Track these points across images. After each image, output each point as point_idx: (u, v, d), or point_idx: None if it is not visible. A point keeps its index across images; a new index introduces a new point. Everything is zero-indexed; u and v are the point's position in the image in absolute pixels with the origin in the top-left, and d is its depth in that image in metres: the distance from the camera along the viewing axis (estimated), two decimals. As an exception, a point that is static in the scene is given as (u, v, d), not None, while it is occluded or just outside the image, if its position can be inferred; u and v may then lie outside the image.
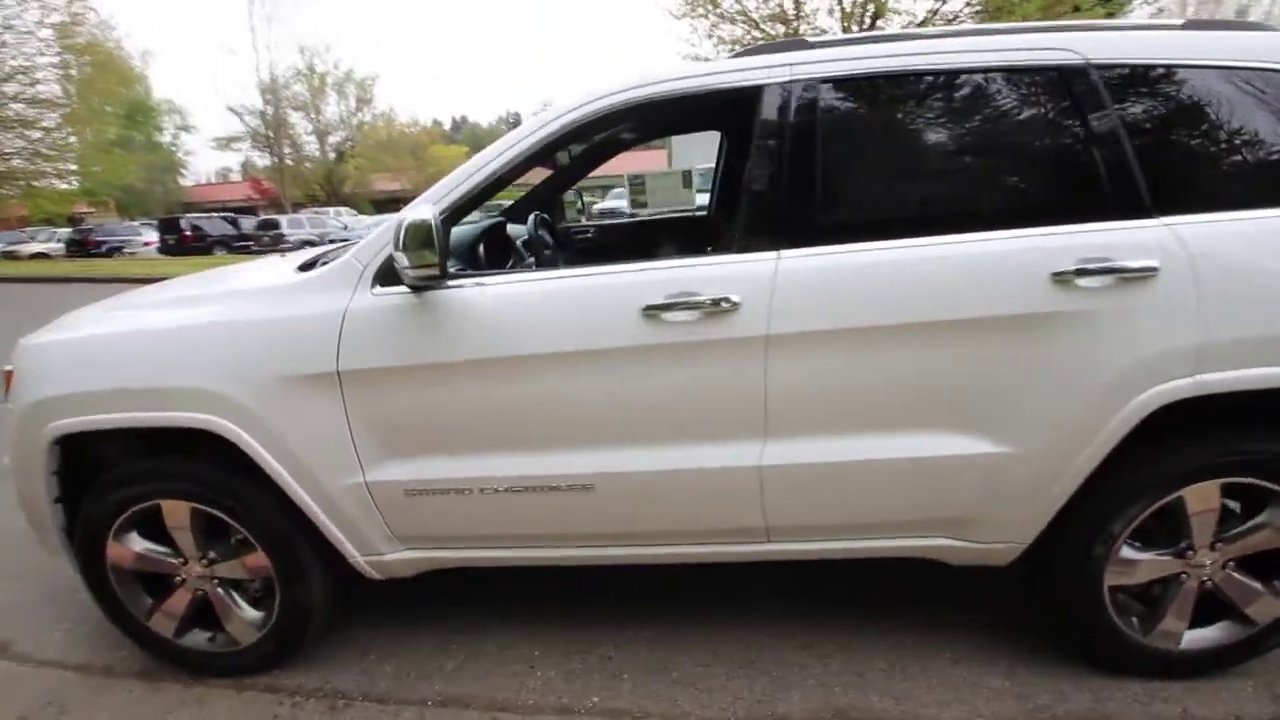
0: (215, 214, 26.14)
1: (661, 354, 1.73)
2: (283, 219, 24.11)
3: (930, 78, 1.75)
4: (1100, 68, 1.70)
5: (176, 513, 1.94)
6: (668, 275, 1.73)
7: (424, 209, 1.64)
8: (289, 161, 32.59)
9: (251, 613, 2.04)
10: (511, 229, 2.79)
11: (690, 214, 4.44)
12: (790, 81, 1.75)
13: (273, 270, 2.26)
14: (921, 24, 14.03)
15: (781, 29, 17.12)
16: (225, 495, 1.91)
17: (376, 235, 1.84)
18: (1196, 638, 1.85)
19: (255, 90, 30.70)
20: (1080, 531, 1.77)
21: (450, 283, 1.76)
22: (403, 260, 1.63)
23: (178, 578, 2.02)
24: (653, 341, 1.72)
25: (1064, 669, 1.95)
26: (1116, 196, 1.66)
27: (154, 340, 1.88)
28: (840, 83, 1.75)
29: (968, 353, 1.67)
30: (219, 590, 2.02)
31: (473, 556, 1.99)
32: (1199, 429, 1.69)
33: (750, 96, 1.77)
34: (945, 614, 2.21)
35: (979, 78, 1.73)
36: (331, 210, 28.52)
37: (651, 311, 1.71)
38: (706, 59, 16.89)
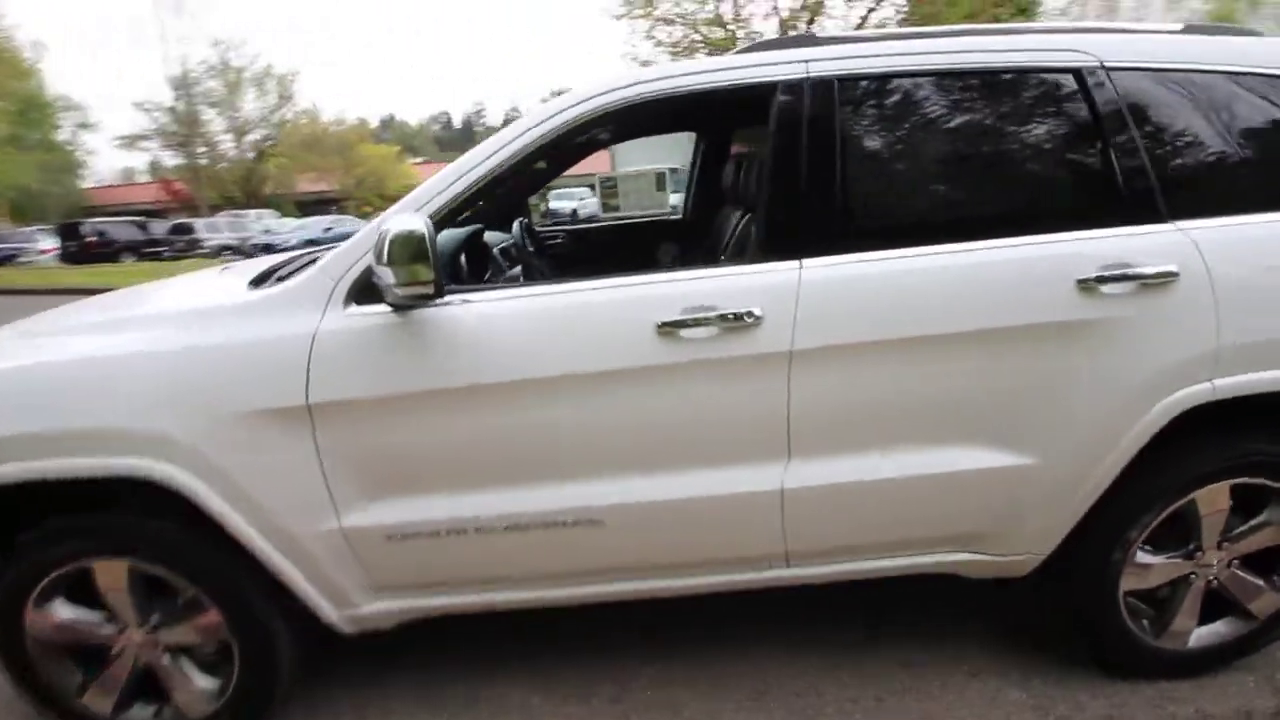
0: (122, 218, 24.29)
1: (678, 373, 1.59)
2: (198, 222, 22.66)
3: (947, 78, 1.68)
4: (1115, 70, 1.67)
5: (111, 573, 1.66)
6: (682, 288, 1.59)
7: (411, 217, 1.44)
8: (203, 161, 30.70)
9: (205, 681, 1.77)
10: (487, 236, 2.57)
11: (665, 217, 4.29)
12: (807, 79, 1.64)
13: (219, 286, 1.99)
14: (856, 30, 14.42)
15: (720, 33, 17.31)
16: (170, 550, 1.64)
17: (349, 246, 1.62)
18: (1203, 634, 1.87)
19: (164, 85, 28.79)
20: (1098, 538, 1.75)
21: (436, 300, 1.56)
22: (388, 276, 1.42)
23: (115, 648, 1.73)
24: (669, 360, 1.57)
25: (1078, 677, 1.93)
26: (1132, 201, 1.66)
27: (81, 373, 1.60)
28: (859, 81, 1.66)
29: (993, 364, 1.63)
30: (165, 658, 1.74)
31: (464, 603, 1.79)
32: (1214, 432, 1.70)
33: (764, 94, 1.65)
34: (953, 624, 2.16)
35: (996, 78, 1.68)
36: (252, 213, 26.97)
37: (667, 328, 1.56)
38: (647, 62, 16.94)
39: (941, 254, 1.61)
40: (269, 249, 19.71)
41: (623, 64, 18.19)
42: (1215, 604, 1.85)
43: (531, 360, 1.57)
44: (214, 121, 31.57)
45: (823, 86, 1.63)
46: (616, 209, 11.87)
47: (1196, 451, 1.70)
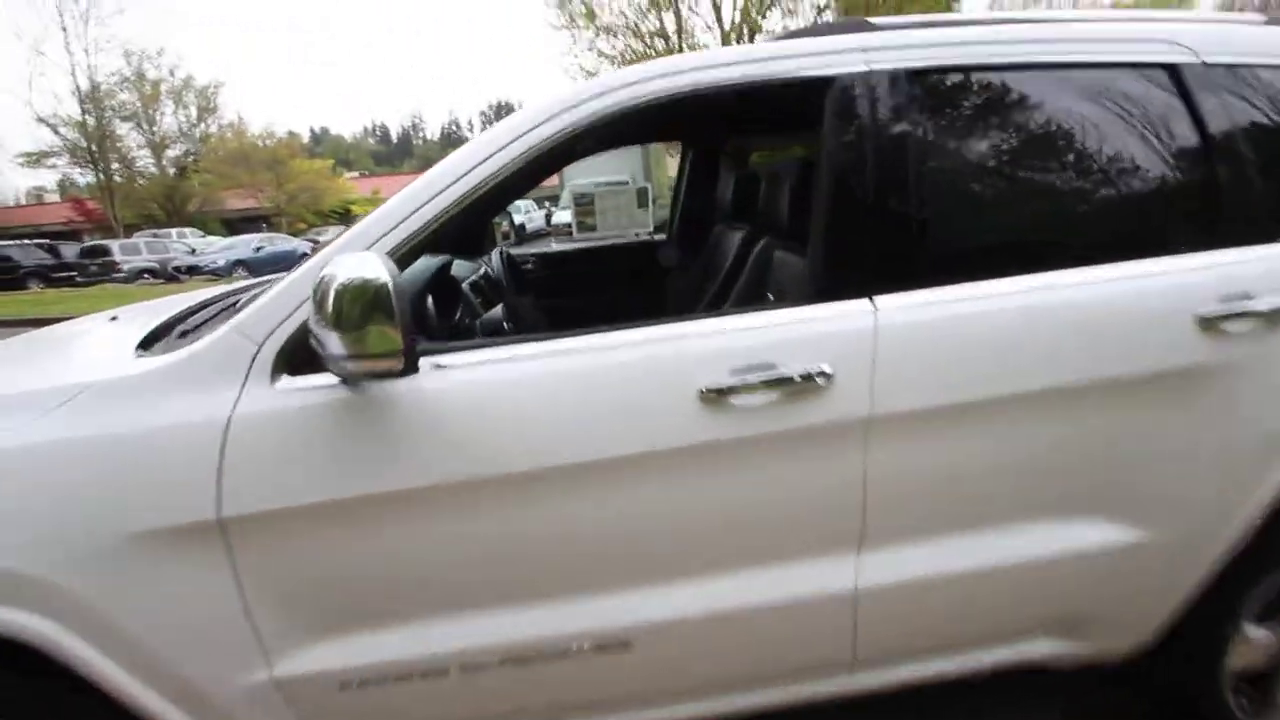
0: (28, 240, 22.37)
1: (728, 453, 1.22)
2: (114, 244, 21.01)
3: (1029, 73, 1.37)
4: (1216, 67, 1.40)
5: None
6: (727, 341, 1.22)
7: (364, 258, 1.02)
8: (118, 179, 28.70)
9: None
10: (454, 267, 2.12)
11: (648, 238, 3.90)
12: (869, 73, 1.30)
13: (95, 347, 1.50)
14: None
15: (662, 45, 17.20)
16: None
17: (278, 295, 1.18)
18: None
19: (72, 99, 26.71)
20: (1208, 613, 1.50)
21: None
22: (333, 345, 1.01)
23: None
24: (716, 437, 1.20)
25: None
26: (1242, 219, 1.40)
27: None
28: (930, 76, 1.33)
29: (1107, 422, 1.34)
30: None
31: None
32: None
33: (812, 92, 1.31)
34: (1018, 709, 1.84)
35: (1083, 74, 1.38)
36: (174, 232, 25.26)
37: (713, 395, 1.19)
38: (591, 73, 16.62)
39: (1045, 288, 1.30)
40: (194, 271, 18.47)
41: (565, 76, 17.88)
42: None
43: (534, 446, 1.17)
44: (129, 136, 29.64)
45: (888, 81, 1.30)
46: (592, 228, 10.56)
47: None
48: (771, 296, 1.66)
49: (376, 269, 0.99)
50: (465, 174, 1.22)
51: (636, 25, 16.78)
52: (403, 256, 1.21)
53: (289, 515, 1.14)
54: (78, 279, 18.64)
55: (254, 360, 1.15)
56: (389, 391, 1.14)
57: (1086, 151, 1.38)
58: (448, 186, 1.21)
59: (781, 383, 1.20)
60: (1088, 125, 1.37)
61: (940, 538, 1.33)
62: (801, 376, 1.20)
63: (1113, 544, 1.38)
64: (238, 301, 1.38)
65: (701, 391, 1.19)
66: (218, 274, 17.17)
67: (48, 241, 22.23)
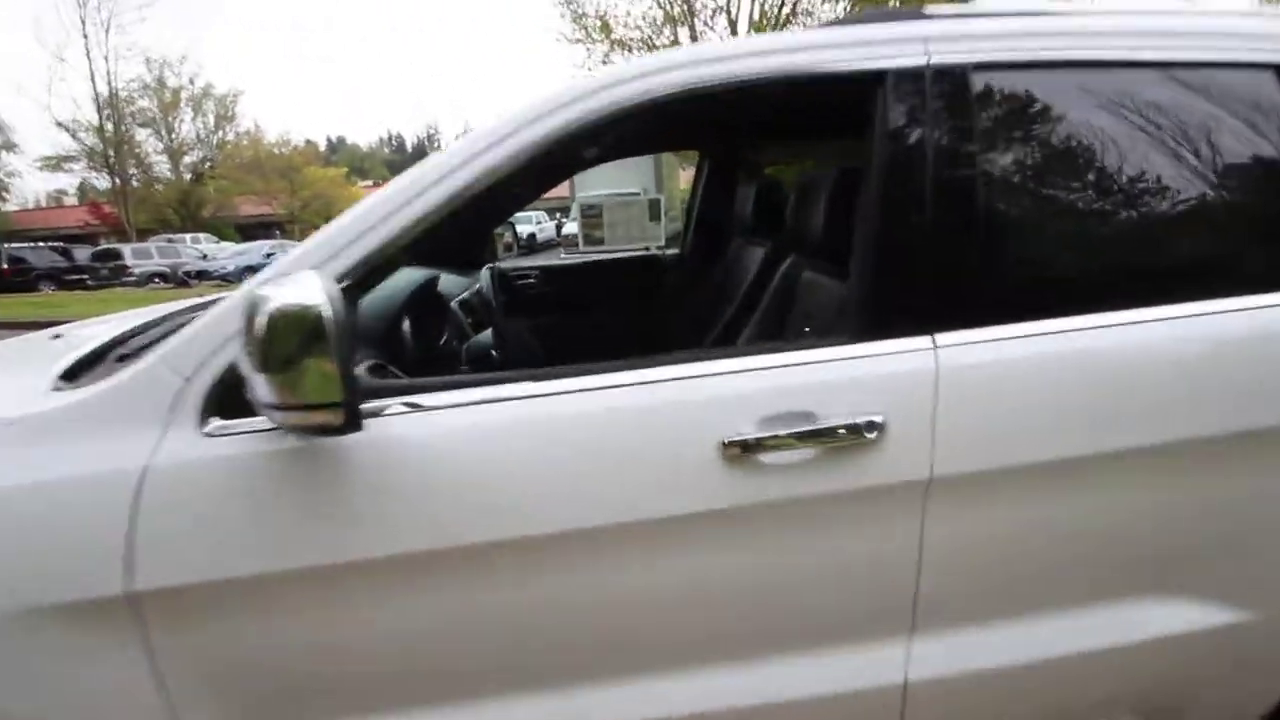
0: (43, 243, 22.48)
1: (752, 520, 1.00)
2: (126, 248, 21.06)
3: (1119, 71, 1.15)
4: None
5: None
6: (753, 382, 1.01)
7: (304, 281, 0.82)
8: (135, 184, 28.89)
9: None
10: (441, 282, 1.91)
11: (660, 252, 3.68)
12: (931, 67, 1.09)
13: (11, 375, 1.30)
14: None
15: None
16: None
17: (209, 323, 0.98)
18: None
19: (91, 104, 26.90)
20: None
21: (366, 405, 0.95)
22: (261, 390, 0.80)
23: None
24: (739, 501, 0.98)
25: None
26: None
27: None
28: (1001, 70, 1.11)
29: (1216, 484, 1.11)
30: None
31: None
32: None
33: (865, 86, 1.10)
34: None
35: (1180, 74, 1.16)
36: (188, 237, 25.29)
37: (737, 450, 0.97)
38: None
39: (1144, 322, 1.07)
40: (203, 276, 18.44)
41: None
42: None
43: (520, 508, 0.96)
44: (147, 142, 29.90)
45: (954, 77, 1.09)
46: (600, 241, 9.84)
47: None
48: (808, 329, 1.43)
49: (316, 293, 0.78)
50: (451, 174, 1.01)
51: (651, 40, 16.69)
52: (371, 272, 1.01)
53: (219, 590, 0.93)
54: (89, 282, 18.68)
55: (176, 399, 0.94)
56: (342, 440, 0.93)
57: (1202, 162, 1.15)
58: (428, 189, 1.01)
59: (821, 435, 0.98)
60: (1201, 132, 1.15)
61: (1010, 620, 1.11)
62: (846, 428, 0.98)
63: (1218, 623, 1.16)
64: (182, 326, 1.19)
65: (723, 445, 0.97)
66: (227, 279, 17.12)
67: (61, 245, 22.38)
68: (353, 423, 0.85)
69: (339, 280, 0.95)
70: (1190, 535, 1.12)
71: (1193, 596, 1.15)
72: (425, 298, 1.59)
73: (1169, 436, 1.06)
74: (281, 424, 0.85)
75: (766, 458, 0.98)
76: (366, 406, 0.94)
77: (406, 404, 0.98)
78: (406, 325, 1.41)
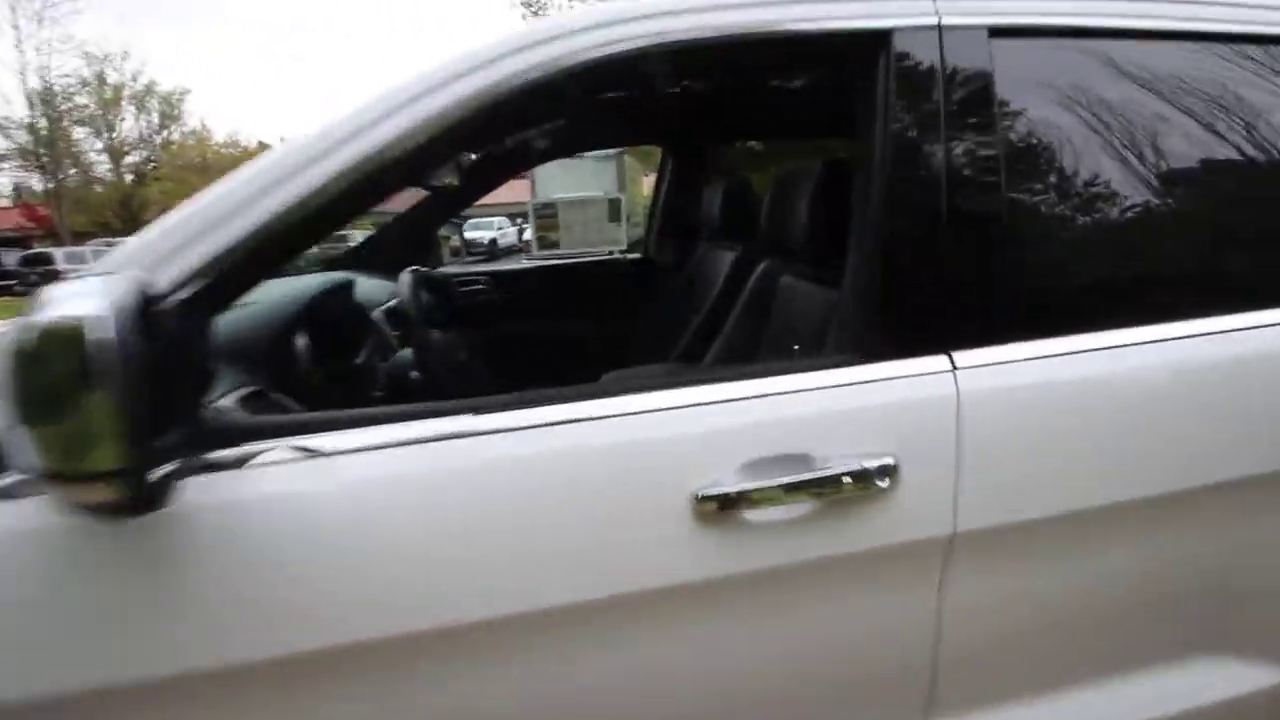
0: (-34, 247, 21.18)
1: (736, 591, 0.78)
2: (58, 252, 19.96)
3: (1181, 44, 0.97)
4: None
5: None
6: (733, 417, 0.79)
7: (83, 292, 0.56)
8: (72, 184, 27.47)
9: None
10: (363, 285, 1.65)
11: (620, 255, 3.45)
12: (942, 26, 0.89)
13: None
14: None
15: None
16: None
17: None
18: None
19: (23, 99, 25.48)
20: None
21: (219, 453, 0.70)
22: (21, 448, 0.55)
23: None
24: (717, 571, 0.77)
25: None
26: None
27: None
28: (1028, 35, 0.92)
29: (1255, 528, 0.93)
30: None
31: None
32: None
33: (863, 49, 0.90)
34: None
35: (1252, 50, 0.98)
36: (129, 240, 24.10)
37: (713, 505, 0.75)
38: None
39: (1212, 333, 0.89)
40: (143, 282, 17.49)
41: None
42: None
43: (438, 588, 0.73)
44: (84, 140, 28.50)
45: (972, 38, 0.89)
46: (554, 244, 9.18)
47: None
48: (796, 346, 1.22)
49: (96, 306, 0.53)
50: (346, 142, 0.76)
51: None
52: (234, 273, 0.76)
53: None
54: (16, 288, 17.64)
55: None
56: (197, 495, 0.67)
57: (1227, 158, 0.98)
58: (316, 160, 0.76)
59: (821, 485, 0.77)
60: (1234, 118, 0.98)
61: (1043, 695, 0.92)
62: (852, 476, 0.77)
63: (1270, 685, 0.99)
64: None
65: (696, 499, 0.75)
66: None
67: (-12, 248, 21.13)
68: (144, 503, 0.59)
69: (182, 284, 0.70)
70: (1255, 588, 0.94)
71: (1255, 655, 0.98)
72: (335, 305, 1.32)
73: (1249, 470, 0.88)
74: (59, 500, 0.59)
75: (751, 515, 0.76)
76: (230, 454, 0.70)
77: (298, 447, 0.73)
78: (300, 343, 1.15)
